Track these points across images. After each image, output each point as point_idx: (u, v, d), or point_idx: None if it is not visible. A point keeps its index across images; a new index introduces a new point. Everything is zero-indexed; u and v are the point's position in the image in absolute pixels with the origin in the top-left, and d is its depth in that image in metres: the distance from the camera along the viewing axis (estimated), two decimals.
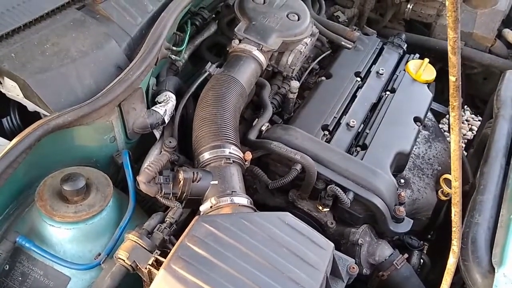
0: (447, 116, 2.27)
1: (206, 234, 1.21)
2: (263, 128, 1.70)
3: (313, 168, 1.55)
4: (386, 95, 1.94)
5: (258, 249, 1.22)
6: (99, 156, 1.51)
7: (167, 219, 1.31)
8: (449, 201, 1.85)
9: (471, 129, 3.41)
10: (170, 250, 1.19)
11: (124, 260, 1.22)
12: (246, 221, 1.26)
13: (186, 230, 1.22)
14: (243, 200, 1.36)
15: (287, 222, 1.30)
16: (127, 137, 1.53)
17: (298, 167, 1.57)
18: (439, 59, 2.40)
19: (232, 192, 1.36)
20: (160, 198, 1.36)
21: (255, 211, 1.37)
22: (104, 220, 1.36)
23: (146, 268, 1.21)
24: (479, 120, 3.27)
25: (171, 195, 1.36)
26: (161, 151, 1.53)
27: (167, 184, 1.35)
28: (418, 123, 1.88)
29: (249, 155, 1.49)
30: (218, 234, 1.22)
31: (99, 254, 1.30)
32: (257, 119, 1.73)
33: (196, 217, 1.25)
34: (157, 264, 1.20)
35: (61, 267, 1.29)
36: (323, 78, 1.95)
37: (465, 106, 2.92)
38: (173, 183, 1.36)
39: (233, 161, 1.44)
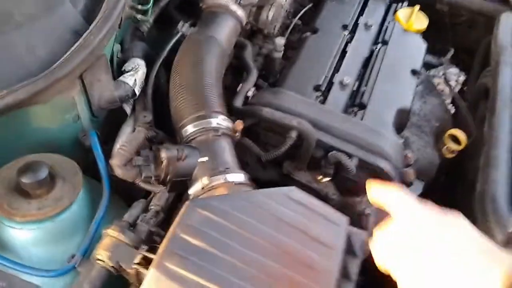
0: (438, 68, 2.11)
1: (201, 220, 1.02)
2: (249, 93, 1.49)
3: (312, 134, 1.37)
4: (378, 48, 1.76)
5: (263, 232, 1.04)
6: (62, 139, 1.28)
7: (152, 207, 1.11)
8: (454, 159, 1.71)
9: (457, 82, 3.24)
10: (159, 244, 1.00)
11: (104, 261, 1.01)
12: (246, 201, 1.07)
13: (177, 218, 1.02)
14: (240, 176, 1.17)
15: (294, 198, 1.11)
16: (93, 114, 1.31)
17: (294, 134, 1.38)
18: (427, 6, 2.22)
19: (225, 169, 1.16)
20: (140, 183, 1.15)
21: (255, 188, 1.18)
22: (76, 214, 1.14)
23: (132, 269, 1.00)
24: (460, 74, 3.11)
25: (153, 178, 1.15)
26: (134, 129, 1.31)
27: (147, 166, 1.14)
28: (416, 76, 1.72)
29: (240, 125, 1.29)
30: (216, 219, 1.02)
31: (73, 256, 1.08)
32: (241, 84, 1.52)
33: (187, 202, 1.05)
34: (146, 263, 1.00)
35: (28, 276, 1.07)
36: (308, 33, 1.75)
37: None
38: (154, 164, 1.15)
39: (222, 133, 1.24)
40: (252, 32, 1.75)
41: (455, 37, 2.55)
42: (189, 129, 1.23)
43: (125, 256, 1.02)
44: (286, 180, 1.50)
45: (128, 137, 1.15)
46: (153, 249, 1.01)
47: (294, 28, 1.85)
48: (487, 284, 0.64)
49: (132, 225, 1.08)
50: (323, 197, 1.48)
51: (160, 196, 1.11)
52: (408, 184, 1.47)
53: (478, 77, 2.18)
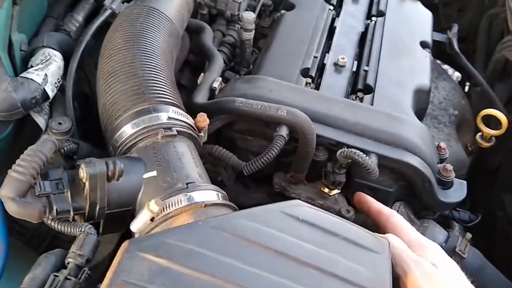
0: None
1: (150, 273, 0.58)
2: (215, 84, 1.08)
3: (309, 127, 0.96)
4: (374, 21, 1.38)
5: (259, 281, 0.61)
6: None
7: (70, 259, 0.67)
8: (489, 149, 1.32)
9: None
10: None
11: None
12: (225, 231, 0.64)
13: (108, 272, 0.59)
14: (210, 194, 0.74)
15: (302, 217, 0.69)
16: None
17: (284, 131, 0.97)
18: None
19: (187, 184, 0.73)
20: (51, 223, 0.71)
21: (236, 209, 0.76)
22: None
23: None
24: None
25: (71, 213, 0.71)
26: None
27: (60, 194, 0.71)
28: (428, 50, 1.34)
29: (204, 119, 0.87)
30: (172, 268, 0.59)
31: None
32: (202, 74, 1.11)
33: (125, 243, 0.62)
34: None
35: None
36: (283, 11, 1.36)
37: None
38: (72, 189, 0.72)
39: (177, 131, 0.81)
40: (211, 17, 1.35)
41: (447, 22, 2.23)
42: (126, 131, 0.80)
43: None
44: (279, 201, 1.08)
45: (28, 150, 0.72)
46: None
47: (264, 11, 1.47)
48: None
49: None
50: None
51: (83, 242, 0.67)
52: (448, 184, 1.06)
53: (486, 57, 1.86)
